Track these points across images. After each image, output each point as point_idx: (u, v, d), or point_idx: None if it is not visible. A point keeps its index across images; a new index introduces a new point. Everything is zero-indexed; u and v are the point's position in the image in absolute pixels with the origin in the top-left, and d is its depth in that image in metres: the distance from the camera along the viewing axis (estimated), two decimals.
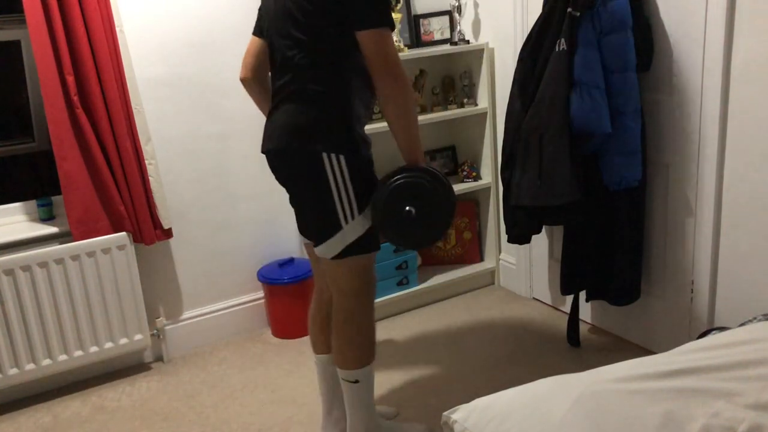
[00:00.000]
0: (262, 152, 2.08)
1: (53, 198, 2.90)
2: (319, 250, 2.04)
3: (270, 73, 2.11)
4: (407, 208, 1.94)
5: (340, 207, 1.96)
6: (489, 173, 3.45)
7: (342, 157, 1.94)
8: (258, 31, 2.20)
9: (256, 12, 2.23)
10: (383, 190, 1.95)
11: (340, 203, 1.96)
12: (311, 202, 2.03)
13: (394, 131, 1.95)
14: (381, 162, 3.57)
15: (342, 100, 1.96)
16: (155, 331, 3.03)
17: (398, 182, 1.94)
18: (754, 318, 1.91)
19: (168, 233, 2.93)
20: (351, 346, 2.10)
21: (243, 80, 2.24)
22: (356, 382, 2.11)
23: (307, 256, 2.42)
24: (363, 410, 2.16)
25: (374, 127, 3.12)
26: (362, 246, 2.02)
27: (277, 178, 2.11)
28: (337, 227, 1.98)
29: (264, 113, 2.22)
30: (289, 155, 1.99)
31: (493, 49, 3.32)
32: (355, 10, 1.85)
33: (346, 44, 1.90)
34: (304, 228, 2.19)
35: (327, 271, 2.11)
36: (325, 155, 1.93)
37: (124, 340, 2.87)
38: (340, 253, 2.01)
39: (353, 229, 1.98)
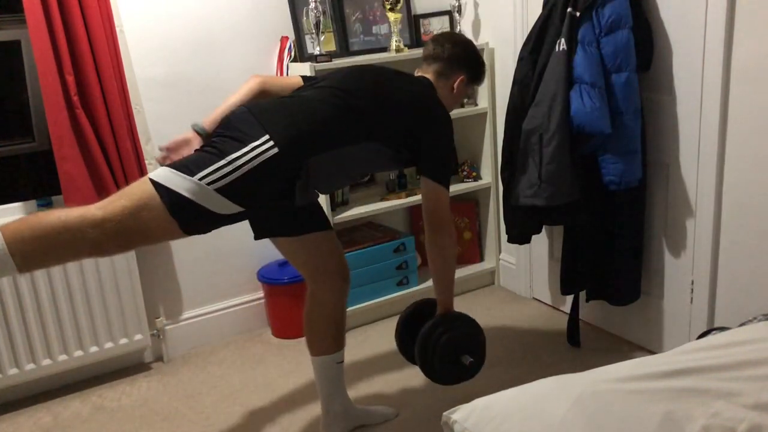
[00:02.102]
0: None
1: (53, 198, 2.90)
2: (159, 169, 1.87)
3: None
4: (467, 360, 2.20)
5: (215, 168, 1.82)
6: (489, 173, 3.45)
7: (272, 151, 1.85)
8: (307, 82, 2.20)
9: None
10: (435, 348, 2.17)
11: (220, 167, 1.82)
12: (214, 148, 1.88)
13: (436, 278, 2.23)
14: None
15: (332, 137, 1.97)
16: (155, 331, 3.03)
17: (450, 337, 2.19)
18: (754, 318, 1.91)
19: None
20: (33, 225, 1.73)
21: (260, 82, 2.15)
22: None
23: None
24: None
25: None
26: (177, 205, 1.80)
27: (216, 133, 1.97)
28: (191, 172, 1.82)
29: (235, 100, 2.10)
30: (247, 118, 1.92)
31: (493, 49, 3.31)
32: (428, 157, 2.10)
33: (389, 143, 2.05)
34: (258, 229, 2.21)
35: (135, 182, 1.88)
36: (265, 137, 1.86)
37: (124, 340, 2.87)
38: (159, 184, 1.81)
39: (195, 189, 1.80)
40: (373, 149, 2.07)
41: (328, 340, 2.30)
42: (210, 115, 2.07)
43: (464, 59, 2.29)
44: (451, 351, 2.21)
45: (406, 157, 2.15)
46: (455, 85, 2.29)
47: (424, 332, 2.21)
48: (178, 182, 1.81)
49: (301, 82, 2.21)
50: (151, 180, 1.83)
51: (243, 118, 1.94)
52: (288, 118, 1.94)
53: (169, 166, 1.87)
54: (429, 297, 2.45)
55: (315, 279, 2.28)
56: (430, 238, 2.16)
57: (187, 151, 1.99)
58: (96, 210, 1.76)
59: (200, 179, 1.81)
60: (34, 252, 1.72)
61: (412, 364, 2.35)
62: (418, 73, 2.31)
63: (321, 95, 2.03)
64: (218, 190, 1.82)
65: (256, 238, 2.27)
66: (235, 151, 1.85)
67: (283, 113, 1.96)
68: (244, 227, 3.22)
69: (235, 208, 1.87)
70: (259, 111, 1.96)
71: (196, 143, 2.01)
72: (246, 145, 1.85)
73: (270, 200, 1.96)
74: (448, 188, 2.14)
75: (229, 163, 1.83)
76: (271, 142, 1.86)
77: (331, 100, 2.00)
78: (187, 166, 1.85)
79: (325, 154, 1.96)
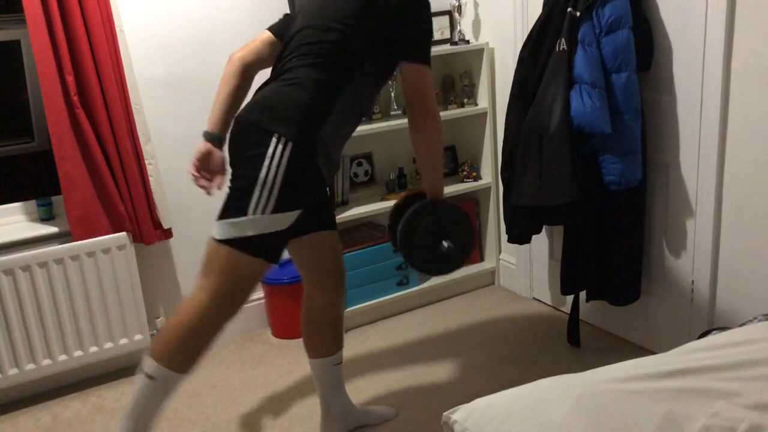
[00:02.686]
0: (233, 122, 2.03)
1: (53, 198, 2.90)
2: (215, 225, 1.92)
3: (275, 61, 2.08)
4: (445, 245, 2.11)
5: (258, 195, 1.85)
6: (489, 173, 3.45)
7: (289, 146, 1.86)
8: (277, 32, 2.15)
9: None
10: (415, 230, 2.08)
11: (260, 192, 1.85)
12: (237, 175, 1.92)
13: (421, 164, 2.12)
14: (382, 162, 3.58)
15: (327, 101, 1.94)
16: (155, 331, 3.03)
17: (432, 219, 2.11)
18: (754, 318, 1.91)
19: (168, 233, 2.93)
20: (172, 341, 1.90)
21: (238, 59, 2.11)
22: (151, 378, 1.91)
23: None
24: (140, 412, 1.94)
25: (373, 127, 3.12)
26: (254, 246, 1.88)
27: (228, 149, 2.00)
28: (243, 212, 1.86)
29: (223, 92, 2.11)
30: (247, 125, 1.93)
31: (493, 49, 3.32)
32: (409, 40, 1.98)
33: (368, 60, 1.95)
34: None
35: (205, 253, 1.95)
36: (275, 137, 1.86)
37: (124, 340, 2.87)
38: (230, 240, 1.87)
39: (255, 224, 1.86)
40: (360, 85, 2.01)
41: (325, 343, 2.30)
42: (211, 116, 2.08)
43: None
44: (432, 235, 2.12)
45: (389, 63, 2.05)
46: None
47: (407, 215, 2.11)
48: (240, 228, 1.87)
49: (270, 36, 2.15)
50: (220, 241, 1.89)
51: (245, 131, 1.93)
52: (283, 111, 1.92)
53: (220, 218, 1.91)
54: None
55: (313, 279, 2.27)
56: (415, 123, 2.05)
57: (214, 162, 2.05)
58: (201, 295, 1.91)
59: (253, 213, 1.86)
60: (188, 357, 1.93)
61: (400, 254, 2.23)
62: None
63: (299, 63, 1.95)
64: (274, 211, 1.87)
65: None
66: (261, 169, 1.86)
67: (276, 109, 1.93)
68: None
69: (294, 215, 1.91)
70: (255, 115, 1.94)
71: (218, 158, 2.06)
72: (264, 157, 1.85)
73: (314, 189, 1.99)
74: (429, 67, 2.03)
75: (264, 182, 1.85)
76: (284, 139, 1.86)
77: (308, 67, 1.93)
78: (235, 209, 1.88)
79: (328, 119, 1.95)
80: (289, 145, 1.86)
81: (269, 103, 1.94)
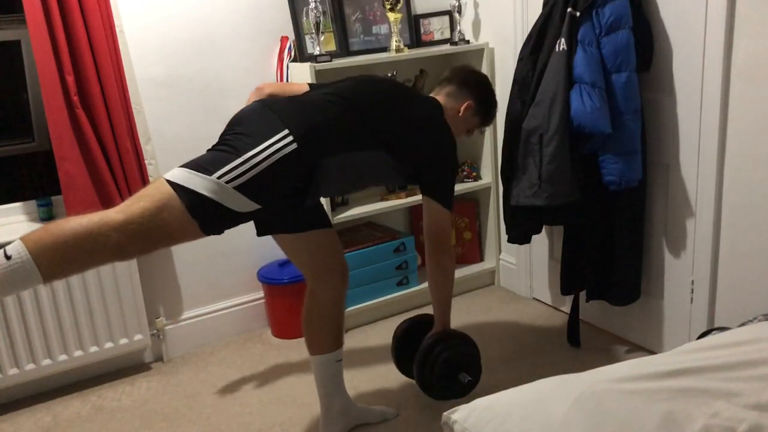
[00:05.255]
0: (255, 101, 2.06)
1: (53, 198, 2.90)
2: (178, 168, 1.85)
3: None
4: (464, 379, 2.32)
5: (233, 165, 1.82)
6: (489, 173, 3.45)
7: (291, 147, 1.85)
8: (315, 88, 2.21)
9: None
10: (433, 368, 2.29)
11: (238, 164, 1.82)
12: (230, 146, 1.88)
13: (435, 296, 2.32)
14: None
15: (347, 138, 2.00)
16: (155, 331, 3.03)
17: (449, 355, 2.30)
18: (754, 318, 1.91)
19: None
20: (55, 234, 1.71)
21: (268, 91, 2.18)
22: (7, 258, 1.69)
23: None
24: None
25: None
26: (197, 205, 1.78)
27: (232, 119, 1.99)
28: (209, 171, 1.81)
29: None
30: (264, 111, 1.94)
31: (493, 49, 3.32)
32: (435, 182, 2.19)
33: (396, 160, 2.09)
34: (261, 227, 2.23)
35: (146, 186, 1.90)
36: (283, 132, 1.86)
37: (124, 340, 2.87)
38: (178, 185, 1.79)
39: (209, 185, 1.79)
40: (381, 158, 2.07)
41: (327, 339, 2.30)
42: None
43: (476, 86, 2.36)
44: (449, 369, 2.31)
45: (410, 171, 2.18)
46: (462, 109, 2.31)
47: (423, 349, 2.31)
48: (197, 182, 1.79)
49: (307, 88, 2.22)
50: (169, 181, 1.81)
51: (259, 112, 1.94)
52: (303, 113, 1.94)
53: (184, 166, 1.84)
54: (423, 313, 2.56)
55: (315, 277, 2.28)
56: (432, 259, 2.26)
57: None
58: (116, 213, 1.74)
59: (218, 178, 1.80)
60: (58, 260, 1.70)
61: (409, 379, 2.46)
62: (430, 95, 2.36)
63: (332, 98, 2.03)
64: (237, 188, 1.81)
65: (259, 234, 2.27)
66: (252, 148, 1.84)
67: (298, 109, 1.96)
68: (245, 227, 3.23)
69: (252, 206, 1.86)
70: (276, 106, 1.96)
71: None
72: (263, 141, 1.85)
73: (284, 198, 1.96)
74: (451, 210, 2.22)
75: (247, 160, 1.83)
76: (291, 137, 1.86)
77: (342, 103, 2.02)
78: (203, 166, 1.82)
79: (337, 156, 1.96)
80: (292, 146, 1.86)
81: (298, 105, 1.99)
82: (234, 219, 1.88)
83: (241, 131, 1.91)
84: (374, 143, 2.04)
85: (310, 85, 2.26)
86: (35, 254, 1.68)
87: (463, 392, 2.34)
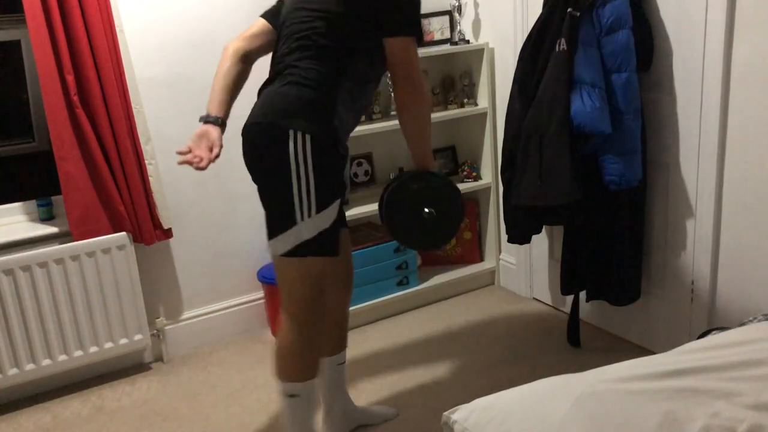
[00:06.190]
0: (242, 134, 1.99)
1: (53, 198, 2.90)
2: (270, 246, 1.93)
3: (272, 55, 2.04)
4: (427, 211, 2.01)
5: (298, 200, 1.86)
6: (489, 173, 3.45)
7: (308, 138, 1.84)
8: (271, 16, 2.11)
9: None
10: (400, 193, 2.00)
11: (299, 196, 1.86)
12: (269, 189, 1.93)
13: (408, 137, 2.01)
14: (382, 162, 3.58)
15: (335, 92, 1.91)
16: (155, 331, 3.03)
17: (419, 186, 2.03)
18: (754, 318, 1.91)
19: (168, 233, 2.93)
20: (294, 358, 2.01)
21: (234, 49, 2.07)
22: (294, 396, 2.02)
23: None
24: (300, 427, 2.07)
25: (373, 127, 3.12)
26: (317, 246, 1.90)
27: (246, 164, 1.99)
28: (292, 221, 1.87)
29: (220, 80, 2.05)
30: (260, 131, 1.90)
31: (493, 49, 3.32)
32: (388, 16, 1.88)
33: (361, 44, 1.89)
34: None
35: (277, 273, 1.99)
36: (291, 132, 1.84)
37: (124, 340, 2.87)
38: (292, 250, 1.89)
39: (309, 226, 1.88)
40: (357, 75, 1.95)
41: (330, 342, 2.29)
42: (210, 102, 2.03)
43: None
44: (416, 202, 2.03)
45: (381, 54, 1.95)
46: None
47: (394, 185, 2.06)
48: (295, 236, 1.88)
49: (264, 25, 2.11)
50: (282, 255, 1.91)
51: (261, 136, 1.90)
52: (291, 109, 1.88)
53: (270, 235, 1.92)
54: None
55: None
56: (403, 101, 1.96)
57: (206, 143, 1.95)
58: (288, 318, 2.00)
59: (302, 219, 1.87)
60: (312, 363, 2.04)
61: (391, 232, 2.15)
62: None
63: (294, 59, 1.92)
64: (319, 209, 1.88)
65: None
66: (290, 174, 1.85)
67: (285, 109, 1.90)
68: (246, 228, 3.24)
69: (336, 205, 1.93)
70: (267, 118, 1.90)
71: (215, 132, 1.97)
72: (288, 157, 1.84)
73: (342, 175, 1.99)
74: (417, 38, 1.93)
75: (299, 188, 1.85)
76: (300, 133, 1.84)
77: (304, 60, 1.90)
78: (283, 223, 1.88)
79: (337, 109, 1.92)
80: (308, 138, 1.85)
81: (276, 105, 1.91)
82: (337, 226, 1.96)
83: (262, 166, 1.92)
84: (343, 59, 1.91)
85: (264, 17, 2.13)
86: (304, 377, 2.02)
87: (427, 233, 2.06)
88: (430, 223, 2.04)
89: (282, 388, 2.04)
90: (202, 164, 1.92)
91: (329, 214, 1.91)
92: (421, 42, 1.97)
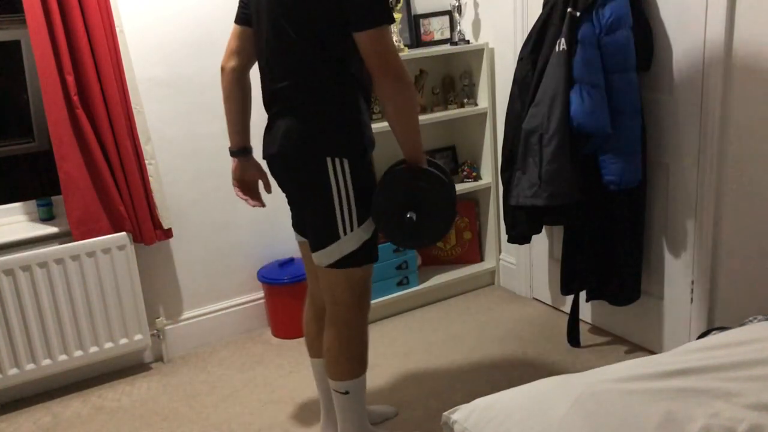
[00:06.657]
0: (264, 158, 2.05)
1: (53, 198, 2.90)
2: (316, 257, 2.02)
3: (261, 74, 2.01)
4: (408, 215, 1.92)
5: (340, 216, 1.94)
6: (489, 173, 3.45)
7: (346, 162, 1.90)
8: (242, 20, 2.03)
9: None
10: (382, 198, 1.95)
11: (341, 212, 1.93)
12: (312, 208, 1.99)
13: (394, 131, 1.90)
14: (381, 162, 3.58)
15: (349, 102, 1.91)
16: (155, 331, 3.03)
17: (397, 193, 1.94)
18: (754, 318, 1.91)
19: (168, 233, 2.93)
20: (341, 358, 2.08)
21: (231, 69, 2.07)
22: (347, 393, 2.10)
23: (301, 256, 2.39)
24: (355, 422, 2.14)
25: (373, 127, 3.11)
26: (359, 257, 1.99)
27: (279, 183, 2.06)
28: (335, 236, 1.95)
29: (231, 109, 2.10)
30: (292, 160, 1.94)
31: (493, 49, 3.32)
32: (352, 11, 1.77)
33: (349, 43, 1.84)
34: (299, 223, 2.17)
35: (322, 279, 2.07)
36: (329, 160, 1.90)
37: (124, 340, 2.87)
38: (336, 262, 1.98)
39: (351, 239, 1.96)
40: (357, 76, 1.92)
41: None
42: (230, 134, 2.16)
43: None
44: (400, 209, 1.94)
45: (342, 37, 1.85)
46: None
47: (385, 183, 1.97)
48: (339, 250, 1.96)
49: (243, 30, 2.04)
50: (329, 266, 1.99)
51: (294, 162, 1.94)
52: (323, 136, 1.90)
53: (314, 248, 2.00)
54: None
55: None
56: (385, 92, 1.81)
57: (248, 186, 2.24)
58: (344, 311, 2.06)
59: (344, 234, 1.95)
60: (362, 358, 2.11)
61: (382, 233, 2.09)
62: None
63: (298, 92, 1.90)
64: (360, 221, 1.96)
65: (294, 227, 2.23)
66: (332, 195, 1.92)
67: (316, 138, 1.90)
68: (246, 228, 3.24)
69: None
70: (298, 147, 1.91)
71: (248, 172, 2.20)
72: (330, 183, 1.91)
73: (374, 176, 2.05)
74: (388, 22, 1.79)
75: (341, 207, 1.93)
76: (338, 160, 1.90)
77: (309, 92, 1.89)
78: (329, 237, 1.96)
79: (361, 107, 1.94)
80: (345, 162, 1.90)
81: (309, 133, 1.90)
82: (376, 232, 2.04)
83: (299, 180, 1.97)
84: (340, 66, 1.87)
85: (237, 22, 2.05)
86: (354, 374, 2.09)
87: (408, 236, 1.98)
88: (414, 225, 1.94)
89: (333, 386, 2.11)
90: (261, 206, 2.25)
91: (370, 224, 1.99)
92: (391, 23, 1.82)
